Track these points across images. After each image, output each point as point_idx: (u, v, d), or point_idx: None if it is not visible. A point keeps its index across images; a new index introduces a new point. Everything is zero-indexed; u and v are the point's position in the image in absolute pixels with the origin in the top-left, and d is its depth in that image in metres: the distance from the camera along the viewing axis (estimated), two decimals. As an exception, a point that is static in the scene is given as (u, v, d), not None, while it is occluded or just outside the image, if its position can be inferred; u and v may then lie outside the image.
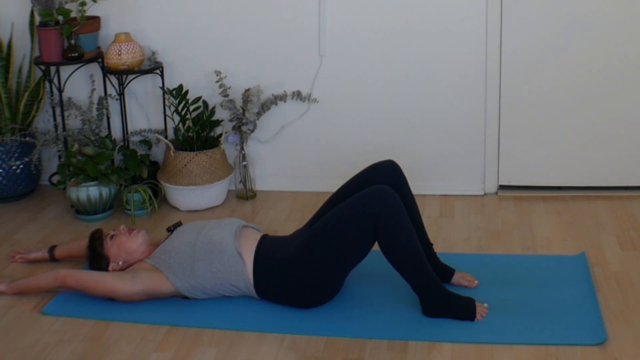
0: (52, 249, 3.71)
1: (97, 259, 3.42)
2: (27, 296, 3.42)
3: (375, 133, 4.37)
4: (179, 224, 3.53)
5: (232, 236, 3.29)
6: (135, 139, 4.44)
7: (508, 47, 4.17)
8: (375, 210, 3.07)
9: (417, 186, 3.87)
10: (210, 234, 3.33)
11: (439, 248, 3.70)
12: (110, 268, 3.40)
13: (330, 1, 4.22)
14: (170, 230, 3.50)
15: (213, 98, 4.38)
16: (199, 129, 4.27)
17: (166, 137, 4.41)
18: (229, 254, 3.24)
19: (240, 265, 3.24)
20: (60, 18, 4.16)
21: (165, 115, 4.43)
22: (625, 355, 2.90)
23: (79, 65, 4.27)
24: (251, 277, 3.25)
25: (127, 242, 3.41)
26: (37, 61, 4.26)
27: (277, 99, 4.34)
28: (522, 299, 3.27)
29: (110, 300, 3.32)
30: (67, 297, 3.39)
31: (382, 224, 3.07)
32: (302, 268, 3.17)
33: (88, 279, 3.30)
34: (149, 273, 3.30)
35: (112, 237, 3.43)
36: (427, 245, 3.40)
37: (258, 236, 3.36)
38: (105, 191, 4.14)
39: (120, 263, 3.40)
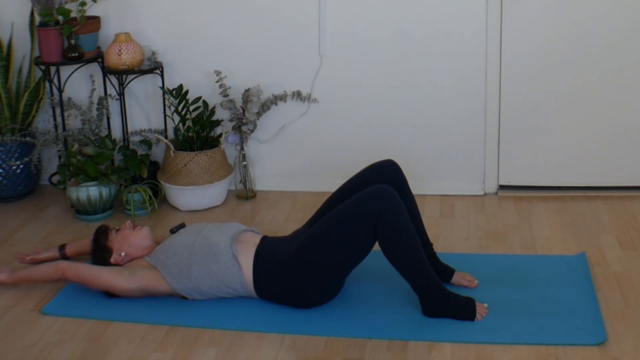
0: (62, 247, 3.71)
1: (100, 250, 3.44)
2: (27, 296, 3.42)
3: (375, 133, 4.37)
4: (182, 226, 3.53)
5: (230, 239, 3.29)
6: (135, 139, 4.44)
7: (508, 48, 4.17)
8: (375, 210, 3.07)
9: (417, 186, 3.87)
10: (208, 236, 3.33)
11: (439, 248, 3.69)
12: (112, 260, 3.41)
13: (330, 1, 4.22)
14: (173, 231, 3.50)
15: (213, 98, 4.38)
16: (199, 129, 4.27)
17: (166, 137, 4.41)
18: (226, 257, 3.24)
19: (237, 269, 3.24)
20: (60, 18, 4.16)
21: (165, 115, 4.43)
22: (625, 355, 2.90)
23: (79, 65, 4.27)
24: (250, 280, 3.24)
25: (130, 236, 3.44)
26: (37, 61, 4.26)
27: (277, 99, 4.34)
28: (522, 299, 3.27)
29: (110, 297, 3.33)
30: (67, 297, 3.39)
31: (383, 224, 3.07)
32: (303, 269, 3.17)
33: (87, 272, 3.32)
34: (146, 271, 3.31)
35: (117, 230, 3.47)
36: (427, 245, 3.40)
37: (257, 239, 3.36)
38: (105, 191, 4.14)
39: (122, 254, 3.41)
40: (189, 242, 3.32)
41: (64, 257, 3.70)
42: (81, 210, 4.17)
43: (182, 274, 3.27)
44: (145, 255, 3.41)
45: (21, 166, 4.37)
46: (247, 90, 4.27)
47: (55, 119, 4.38)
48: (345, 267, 3.20)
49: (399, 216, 3.08)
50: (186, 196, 4.24)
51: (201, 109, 4.32)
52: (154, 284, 3.29)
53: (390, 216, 3.07)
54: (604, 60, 4.14)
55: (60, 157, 4.37)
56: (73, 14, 4.19)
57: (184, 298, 3.32)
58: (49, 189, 4.58)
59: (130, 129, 4.48)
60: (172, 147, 4.24)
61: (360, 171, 3.43)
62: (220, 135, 4.35)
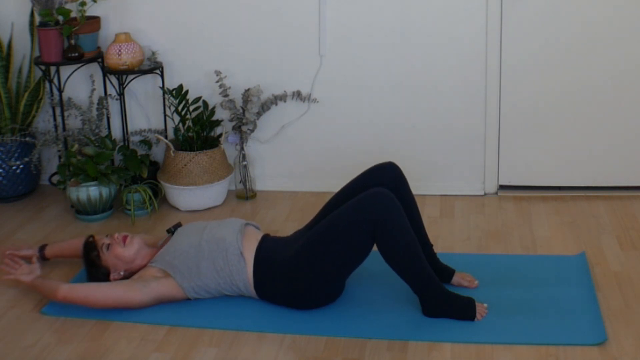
0: (42, 247, 3.67)
1: (95, 269, 3.37)
2: (27, 296, 3.42)
3: (375, 133, 4.37)
4: (178, 225, 3.52)
5: (236, 235, 3.29)
6: (135, 139, 4.44)
7: (508, 48, 4.17)
8: (373, 214, 3.06)
9: (417, 186, 3.87)
10: (213, 232, 3.33)
11: (439, 248, 3.69)
12: (111, 278, 3.36)
13: (330, 1, 4.22)
14: (171, 231, 3.48)
15: (213, 98, 4.38)
16: (199, 129, 4.27)
17: (166, 137, 4.41)
18: (232, 253, 3.24)
19: (242, 265, 3.24)
20: (60, 18, 4.16)
21: (165, 115, 4.43)
22: (625, 355, 2.90)
23: (79, 65, 4.27)
24: (251, 278, 3.25)
25: (123, 252, 3.35)
26: (37, 61, 4.26)
27: (277, 99, 4.34)
28: (522, 299, 3.27)
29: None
30: (67, 297, 3.39)
31: (381, 228, 3.06)
32: (303, 271, 3.17)
33: (95, 293, 3.24)
34: (160, 280, 3.27)
35: (107, 246, 3.37)
36: (427, 245, 3.40)
37: (259, 236, 3.36)
38: (105, 191, 4.14)
39: (121, 273, 3.36)
40: (194, 241, 3.32)
41: (43, 258, 3.65)
42: (81, 210, 4.17)
43: (191, 272, 3.26)
44: (148, 263, 3.38)
45: (21, 166, 4.37)
46: (247, 90, 4.27)
47: (55, 119, 4.38)
48: (344, 270, 3.19)
49: (397, 220, 3.08)
50: (186, 196, 4.24)
51: (201, 109, 4.32)
52: (168, 291, 3.27)
53: (388, 220, 3.06)
54: (603, 60, 4.14)
55: (60, 157, 4.37)
56: (73, 14, 4.19)
57: (187, 298, 3.32)
58: (49, 189, 4.57)
59: (130, 129, 4.48)
60: (172, 147, 4.24)
61: (361, 173, 3.42)
62: (220, 135, 4.35)
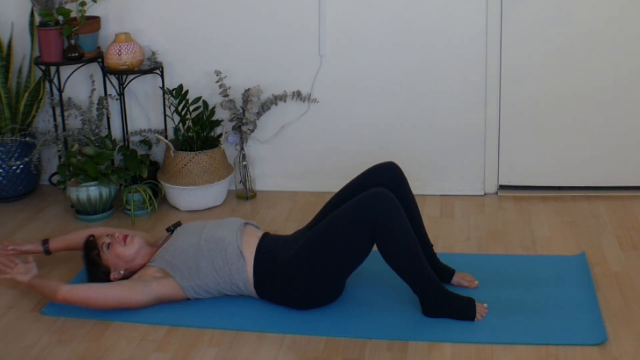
0: (45, 242, 3.63)
1: (95, 268, 3.37)
2: (26, 296, 3.43)
3: (375, 133, 4.37)
4: (178, 224, 3.51)
5: (235, 234, 3.29)
6: (135, 139, 4.44)
7: (508, 48, 4.17)
8: (373, 215, 3.06)
9: (417, 186, 3.87)
10: (212, 232, 3.33)
11: (439, 248, 3.69)
12: (111, 277, 3.36)
13: (330, 1, 4.22)
14: (170, 230, 3.48)
15: (213, 98, 4.38)
16: (199, 129, 4.27)
17: (166, 137, 4.41)
18: (232, 252, 3.24)
19: (242, 264, 3.23)
20: (60, 18, 4.17)
21: (165, 115, 4.43)
22: (625, 355, 2.90)
23: (79, 65, 4.27)
24: (251, 277, 3.24)
25: (124, 252, 3.35)
26: (37, 61, 4.26)
27: (277, 99, 4.34)
28: (522, 299, 3.27)
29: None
30: (67, 297, 3.38)
31: (381, 228, 3.06)
32: (303, 271, 3.17)
33: (95, 294, 3.23)
34: (161, 281, 3.27)
35: (108, 246, 3.37)
36: (427, 245, 3.40)
37: (259, 235, 3.36)
38: (105, 191, 4.14)
39: (121, 272, 3.36)
40: (194, 240, 3.31)
41: (47, 252, 3.61)
42: (81, 210, 4.17)
43: (191, 271, 3.26)
44: (148, 262, 3.38)
45: (21, 166, 4.37)
46: (247, 90, 4.27)
47: (55, 119, 4.38)
48: (344, 270, 3.19)
49: (397, 220, 3.08)
50: (186, 196, 4.24)
51: (201, 109, 4.32)
52: (170, 290, 3.27)
53: (388, 220, 3.06)
54: (603, 60, 4.14)
55: (60, 157, 4.37)
56: (73, 14, 4.19)
57: (187, 298, 3.32)
58: (49, 189, 4.57)
59: (130, 129, 4.48)
60: (172, 147, 4.24)
61: (362, 173, 3.42)
62: (220, 135, 4.35)
